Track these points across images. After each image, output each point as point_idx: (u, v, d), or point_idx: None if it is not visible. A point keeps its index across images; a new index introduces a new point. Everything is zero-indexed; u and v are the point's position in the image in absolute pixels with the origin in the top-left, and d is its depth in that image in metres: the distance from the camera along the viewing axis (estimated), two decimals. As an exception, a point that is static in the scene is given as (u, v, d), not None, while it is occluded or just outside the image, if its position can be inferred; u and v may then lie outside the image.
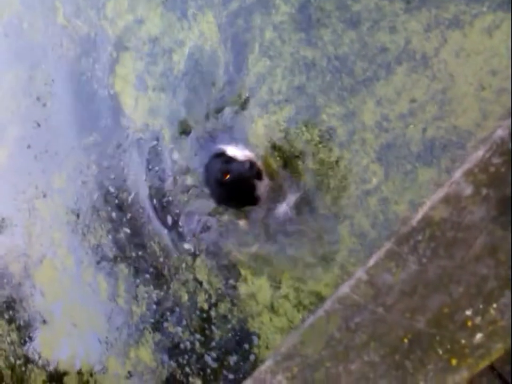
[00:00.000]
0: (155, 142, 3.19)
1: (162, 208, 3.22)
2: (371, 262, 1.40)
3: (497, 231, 1.23)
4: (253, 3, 2.62)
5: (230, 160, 2.43)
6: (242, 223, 2.74)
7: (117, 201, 3.57)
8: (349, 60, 2.32)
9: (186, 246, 3.08)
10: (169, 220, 3.19)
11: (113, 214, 3.60)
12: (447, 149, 2.12)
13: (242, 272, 2.78)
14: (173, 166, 3.10)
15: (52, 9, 4.21)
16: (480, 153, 1.24)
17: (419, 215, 1.31)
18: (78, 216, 3.91)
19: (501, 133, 1.22)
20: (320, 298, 2.46)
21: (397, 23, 2.21)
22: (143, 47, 3.21)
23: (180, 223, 3.11)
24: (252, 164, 2.35)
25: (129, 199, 3.46)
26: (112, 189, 3.60)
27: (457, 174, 1.26)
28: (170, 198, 3.16)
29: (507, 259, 1.23)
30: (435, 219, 1.29)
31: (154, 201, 3.29)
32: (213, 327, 2.92)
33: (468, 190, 1.25)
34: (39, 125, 4.22)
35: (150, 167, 3.27)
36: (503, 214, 1.22)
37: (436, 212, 1.29)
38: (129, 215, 3.45)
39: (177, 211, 3.12)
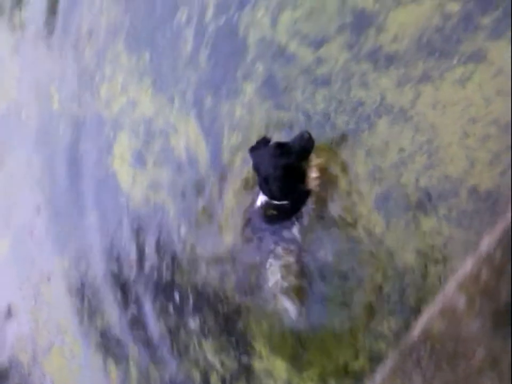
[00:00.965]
0: (159, 217, 3.16)
1: (167, 285, 3.14)
2: (377, 380, 1.32)
3: (495, 342, 1.17)
4: (224, 94, 2.69)
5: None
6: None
7: (121, 281, 3.50)
8: (328, 114, 2.34)
9: (192, 325, 2.98)
10: (176, 296, 3.11)
11: (119, 295, 3.52)
12: (442, 197, 2.09)
13: (257, 347, 2.67)
14: (179, 239, 3.06)
15: (47, 96, 4.33)
16: (469, 266, 1.21)
17: (419, 328, 1.25)
18: (83, 299, 3.84)
19: (486, 244, 1.19)
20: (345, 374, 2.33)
21: (368, 80, 2.24)
22: (138, 127, 3.26)
23: (187, 299, 3.03)
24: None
25: (133, 277, 3.40)
26: (116, 269, 3.54)
27: (450, 287, 1.22)
28: (176, 277, 3.10)
29: (508, 371, 1.15)
30: (434, 332, 1.24)
31: (159, 277, 3.22)
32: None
33: (462, 303, 1.21)
34: (39, 210, 4.24)
35: (155, 242, 3.22)
36: (499, 325, 1.17)
37: (434, 325, 1.24)
38: (134, 295, 3.37)
39: (184, 288, 3.05)
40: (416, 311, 2.00)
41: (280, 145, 2.23)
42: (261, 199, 2.39)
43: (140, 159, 3.29)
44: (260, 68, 2.61)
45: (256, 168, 2.31)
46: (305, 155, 2.26)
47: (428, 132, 2.09)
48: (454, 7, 2.02)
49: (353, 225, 2.28)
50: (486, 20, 1.95)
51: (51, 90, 4.37)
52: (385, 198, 2.20)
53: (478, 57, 1.96)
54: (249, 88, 2.63)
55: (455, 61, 2.01)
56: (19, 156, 4.71)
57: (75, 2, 4.07)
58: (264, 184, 2.26)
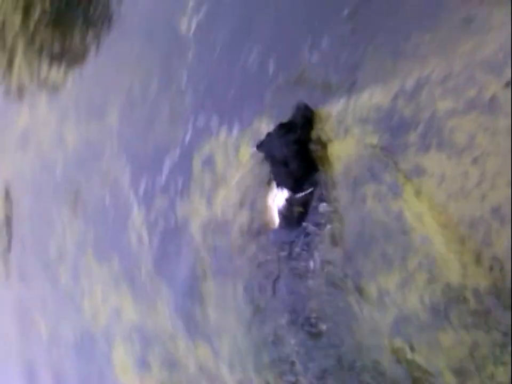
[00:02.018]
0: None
1: None
2: None
3: None
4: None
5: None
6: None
7: None
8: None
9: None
10: None
11: None
12: (449, 307, 2.04)
13: None
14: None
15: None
16: None
17: None
18: None
19: None
20: None
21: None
22: (131, 334, 3.19)
23: None
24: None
25: None
26: None
27: None
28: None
29: None
30: None
31: None
32: None
33: None
34: None
35: None
36: None
37: None
38: None
39: None
40: None
41: (282, 125, 2.19)
42: (281, 200, 2.26)
43: (143, 365, 3.17)
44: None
45: (269, 157, 2.24)
46: (309, 125, 2.20)
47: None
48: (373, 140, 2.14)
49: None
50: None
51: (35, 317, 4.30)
52: (402, 320, 2.13)
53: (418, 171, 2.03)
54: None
55: (400, 181, 2.07)
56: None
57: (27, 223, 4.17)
58: (284, 169, 2.18)
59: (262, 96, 2.43)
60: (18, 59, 3.69)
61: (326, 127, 2.17)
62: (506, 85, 1.77)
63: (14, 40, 3.66)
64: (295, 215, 2.27)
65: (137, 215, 2.91)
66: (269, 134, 2.28)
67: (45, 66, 3.49)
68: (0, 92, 3.89)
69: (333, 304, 2.26)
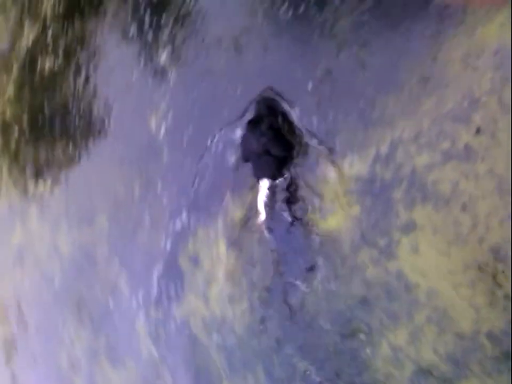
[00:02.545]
0: None
1: None
2: None
3: None
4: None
5: None
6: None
7: None
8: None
9: None
10: None
11: None
12: (467, 356, 1.99)
13: None
14: None
15: None
16: None
17: None
18: None
19: None
20: None
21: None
22: None
23: None
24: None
25: None
26: None
27: None
28: None
29: None
30: None
31: None
32: None
33: None
34: None
35: None
36: None
37: None
38: None
39: None
40: None
41: (251, 121, 2.35)
42: (264, 193, 2.33)
43: None
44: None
45: (250, 153, 2.37)
46: (275, 112, 2.29)
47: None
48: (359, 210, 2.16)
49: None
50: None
51: None
52: (418, 377, 2.07)
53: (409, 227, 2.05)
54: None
55: (396, 237, 2.08)
56: None
57: None
58: (266, 158, 2.29)
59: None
60: (5, 180, 3.76)
61: (315, 202, 2.21)
62: (477, 131, 1.83)
63: (-3, 162, 3.76)
64: (280, 201, 2.35)
65: (141, 319, 2.89)
66: (243, 136, 2.41)
67: (31, 182, 3.56)
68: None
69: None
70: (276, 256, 2.42)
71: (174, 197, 2.70)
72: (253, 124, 2.40)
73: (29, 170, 3.60)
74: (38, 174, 3.57)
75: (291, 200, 2.31)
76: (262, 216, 2.41)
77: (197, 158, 2.60)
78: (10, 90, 3.56)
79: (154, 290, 2.82)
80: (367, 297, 2.16)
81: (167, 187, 2.73)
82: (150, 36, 2.85)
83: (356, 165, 2.04)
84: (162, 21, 2.81)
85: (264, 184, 2.36)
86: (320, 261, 2.23)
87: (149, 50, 2.87)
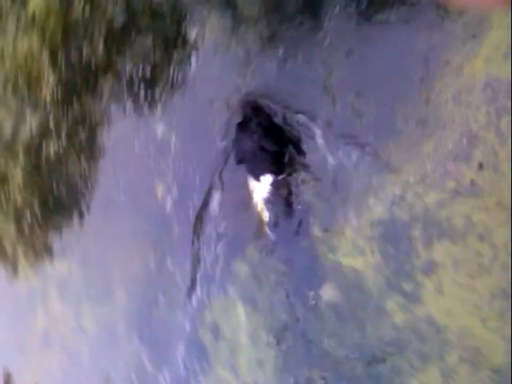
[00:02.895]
0: None
1: None
2: None
3: None
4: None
5: None
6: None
7: None
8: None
9: None
10: None
11: None
12: None
13: None
14: None
15: None
16: None
17: None
18: None
19: None
20: None
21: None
22: None
23: None
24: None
25: None
26: None
27: None
28: None
29: None
30: None
31: None
32: None
33: None
34: None
35: None
36: None
37: None
38: None
39: None
40: None
41: (239, 123, 2.38)
42: (265, 190, 2.32)
43: None
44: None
45: (244, 153, 2.37)
46: (261, 111, 2.33)
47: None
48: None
49: None
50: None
51: None
52: None
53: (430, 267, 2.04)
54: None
55: (420, 280, 2.07)
56: None
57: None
58: (262, 155, 2.30)
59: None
60: (22, 265, 3.81)
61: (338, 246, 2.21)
62: (480, 167, 1.84)
63: (13, 247, 3.81)
64: (282, 198, 2.33)
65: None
66: (234, 139, 2.45)
67: (48, 264, 3.59)
68: (11, 298, 3.97)
69: None
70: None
71: (187, 273, 2.71)
72: (242, 125, 2.42)
73: (45, 253, 3.63)
74: (54, 255, 3.61)
75: (291, 196, 2.32)
76: (266, 217, 2.39)
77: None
78: (18, 177, 3.65)
79: (180, 369, 2.79)
80: (394, 340, 2.13)
81: (179, 263, 2.75)
82: (145, 109, 2.94)
83: (375, 209, 2.05)
84: (156, 93, 2.90)
85: (266, 180, 2.34)
86: (339, 299, 2.21)
87: (146, 122, 2.95)
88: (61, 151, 3.38)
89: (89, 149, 3.27)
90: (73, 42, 3.21)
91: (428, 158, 1.92)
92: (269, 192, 2.35)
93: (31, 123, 3.49)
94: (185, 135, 2.79)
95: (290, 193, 2.32)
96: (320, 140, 2.16)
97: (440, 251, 1.99)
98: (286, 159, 2.33)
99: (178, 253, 2.73)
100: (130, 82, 2.97)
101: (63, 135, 3.34)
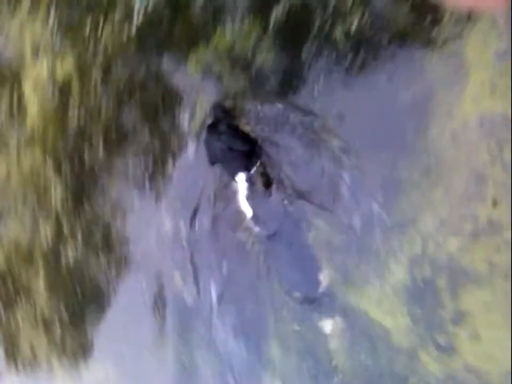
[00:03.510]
0: None
1: None
2: None
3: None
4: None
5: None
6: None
7: None
8: None
9: None
10: None
11: None
12: None
13: None
14: None
15: None
16: None
17: None
18: None
19: None
20: None
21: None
22: None
23: None
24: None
25: None
26: None
27: None
28: None
29: None
30: None
31: None
32: None
33: None
34: None
35: None
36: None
37: None
38: None
39: None
40: None
41: (209, 126, 2.50)
42: (244, 187, 2.42)
43: None
44: None
45: (215, 154, 2.49)
46: (230, 115, 2.45)
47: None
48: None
49: None
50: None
51: None
52: None
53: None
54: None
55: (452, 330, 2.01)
56: None
57: None
58: (231, 154, 2.43)
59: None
60: (58, 373, 3.76)
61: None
62: (494, 203, 1.84)
63: (47, 357, 3.77)
64: (261, 188, 2.45)
65: None
66: (204, 141, 2.56)
67: (83, 368, 3.54)
68: None
69: None
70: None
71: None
72: (211, 127, 2.53)
73: (79, 358, 3.61)
74: (88, 359, 3.58)
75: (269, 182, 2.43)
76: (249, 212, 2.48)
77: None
78: (41, 287, 3.67)
79: None
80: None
81: (208, 361, 2.71)
82: (152, 202, 2.99)
83: (396, 273, 2.03)
84: (160, 185, 2.96)
85: (241, 178, 2.46)
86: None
87: (155, 215, 2.98)
88: (79, 254, 3.41)
89: (107, 248, 3.31)
90: (74, 148, 3.32)
91: (441, 204, 1.92)
92: (247, 189, 2.49)
93: (45, 232, 3.55)
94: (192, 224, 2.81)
95: (268, 185, 2.45)
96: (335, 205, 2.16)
97: (469, 298, 1.96)
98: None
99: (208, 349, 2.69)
100: (134, 177, 3.05)
101: (79, 238, 3.38)
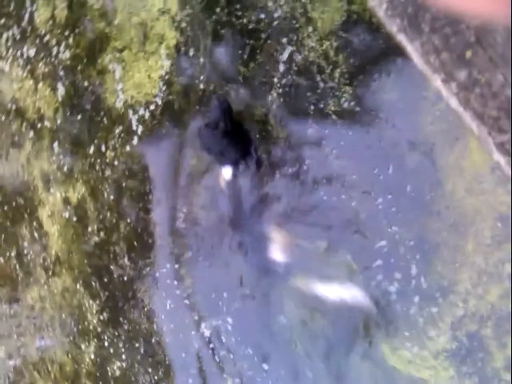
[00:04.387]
0: None
1: None
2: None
3: None
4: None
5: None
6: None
7: None
8: None
9: None
10: None
11: None
12: None
13: None
14: None
15: None
16: None
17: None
18: None
19: None
20: None
21: None
22: None
23: None
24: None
25: None
26: None
27: None
28: None
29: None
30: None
31: None
32: None
33: None
34: None
35: None
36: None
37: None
38: None
39: None
40: None
41: (206, 124, 2.48)
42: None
43: None
44: None
45: (209, 147, 2.54)
46: (228, 112, 2.44)
47: None
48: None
49: None
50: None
51: None
52: None
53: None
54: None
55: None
56: None
57: None
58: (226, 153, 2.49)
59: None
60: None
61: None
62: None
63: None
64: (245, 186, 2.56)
65: None
66: (198, 133, 2.58)
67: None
68: None
69: None
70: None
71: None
72: (208, 126, 2.54)
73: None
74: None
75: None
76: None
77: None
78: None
79: None
80: None
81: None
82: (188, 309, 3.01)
83: (437, 340, 2.01)
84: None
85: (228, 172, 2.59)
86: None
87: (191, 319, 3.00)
88: (127, 370, 3.40)
89: (149, 352, 3.29)
90: (100, 265, 3.38)
91: (474, 255, 1.93)
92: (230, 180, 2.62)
93: (89, 353, 3.56)
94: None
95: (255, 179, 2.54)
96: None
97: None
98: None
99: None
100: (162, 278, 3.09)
101: (123, 356, 3.38)
